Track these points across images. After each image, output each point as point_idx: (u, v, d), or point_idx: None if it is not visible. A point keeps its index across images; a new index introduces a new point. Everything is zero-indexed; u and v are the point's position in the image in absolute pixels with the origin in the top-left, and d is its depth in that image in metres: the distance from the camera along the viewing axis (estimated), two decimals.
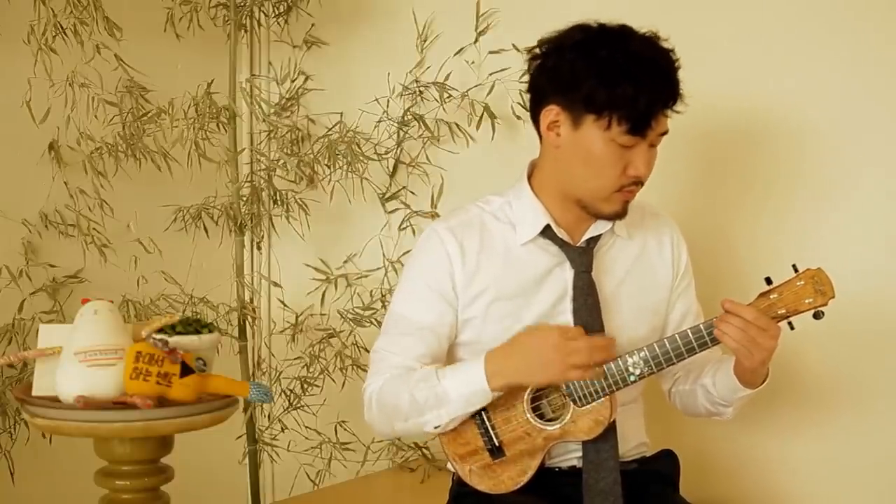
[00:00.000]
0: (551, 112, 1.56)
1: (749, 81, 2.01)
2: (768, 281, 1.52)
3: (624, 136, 1.51)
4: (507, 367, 1.53)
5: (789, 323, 1.52)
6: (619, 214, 1.59)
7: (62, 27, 2.21)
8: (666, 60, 1.53)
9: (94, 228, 2.36)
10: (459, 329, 1.65)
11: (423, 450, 2.38)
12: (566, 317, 1.62)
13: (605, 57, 1.51)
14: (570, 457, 1.65)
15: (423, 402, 1.56)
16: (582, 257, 1.62)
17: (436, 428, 1.59)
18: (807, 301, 1.50)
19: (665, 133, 1.56)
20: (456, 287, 1.62)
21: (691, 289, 1.75)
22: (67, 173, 2.34)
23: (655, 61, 1.52)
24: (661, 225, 1.74)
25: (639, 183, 1.57)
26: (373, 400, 1.63)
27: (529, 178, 1.67)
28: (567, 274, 1.62)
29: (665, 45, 1.55)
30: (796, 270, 1.51)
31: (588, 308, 1.61)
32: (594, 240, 1.64)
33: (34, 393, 1.73)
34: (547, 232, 1.63)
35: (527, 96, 1.66)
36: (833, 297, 1.50)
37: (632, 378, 1.56)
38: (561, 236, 1.63)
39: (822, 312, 1.51)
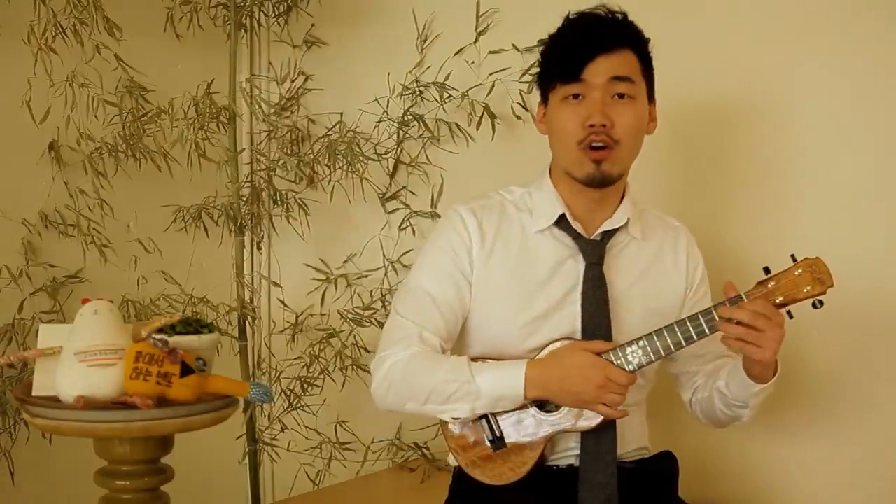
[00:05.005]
0: (539, 109, 1.70)
1: (742, 78, 2.01)
2: (766, 270, 1.52)
3: (564, 86, 1.61)
4: (546, 380, 1.56)
5: (788, 312, 1.52)
6: (594, 177, 1.60)
7: (62, 27, 2.21)
8: (595, 15, 1.63)
9: (94, 228, 2.36)
10: (472, 309, 1.66)
11: (424, 450, 2.38)
12: (575, 308, 1.63)
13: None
14: (570, 454, 1.65)
15: (449, 394, 1.58)
16: (594, 249, 1.65)
17: (456, 420, 1.60)
18: (805, 290, 1.50)
19: (621, 79, 1.59)
20: (473, 263, 1.65)
21: (707, 298, 1.76)
22: (67, 173, 2.34)
23: (583, 16, 1.63)
24: (679, 235, 1.76)
25: (604, 135, 1.58)
26: (392, 371, 1.61)
27: (550, 170, 1.71)
28: (580, 266, 1.65)
29: (611, 11, 1.64)
30: (794, 260, 1.51)
31: (596, 301, 1.63)
32: (609, 235, 1.67)
33: (34, 393, 1.73)
34: (562, 223, 1.66)
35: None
36: (832, 285, 1.50)
37: (630, 367, 1.56)
38: (575, 228, 1.65)
39: (821, 301, 1.50)
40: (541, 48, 1.69)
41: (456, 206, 1.71)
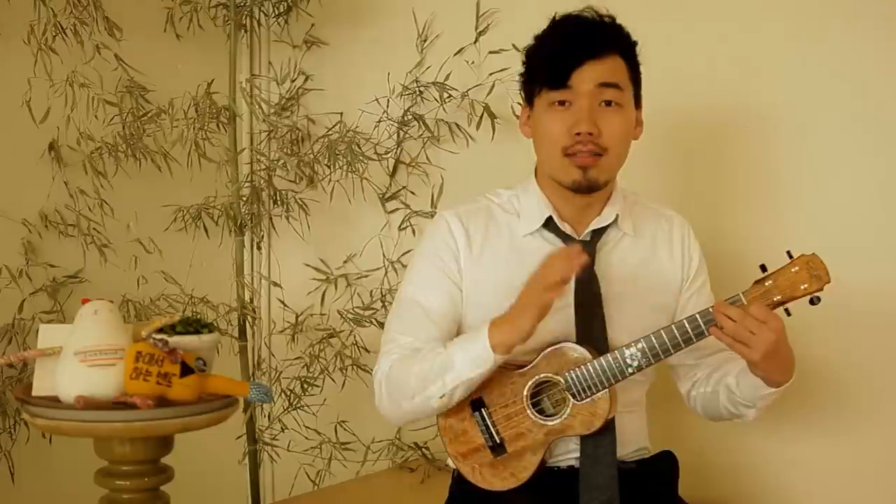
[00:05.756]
0: (524, 112, 1.69)
1: (740, 78, 2.02)
2: (763, 268, 1.52)
3: (550, 92, 1.59)
4: (504, 321, 1.53)
5: (786, 310, 1.51)
6: (581, 184, 1.60)
7: (62, 27, 2.21)
8: (580, 19, 1.61)
9: (94, 228, 2.36)
10: (464, 314, 1.65)
11: (424, 450, 2.38)
12: (569, 310, 1.62)
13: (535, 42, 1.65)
14: (570, 456, 1.64)
15: (427, 372, 1.56)
16: (583, 250, 1.63)
17: (441, 398, 1.57)
18: (802, 287, 1.49)
19: (609, 85, 1.57)
20: (462, 269, 1.65)
21: (706, 289, 1.74)
22: (67, 173, 2.34)
23: (570, 19, 1.61)
24: (674, 225, 1.74)
25: (591, 144, 1.56)
26: (383, 382, 1.63)
27: (536, 172, 1.70)
28: None
29: (599, 14, 1.61)
30: (791, 256, 1.51)
31: (589, 303, 1.61)
32: (598, 234, 1.65)
33: (34, 393, 1.73)
34: (550, 225, 1.65)
35: None
36: (828, 281, 1.49)
37: (629, 370, 1.56)
38: (563, 229, 1.64)
39: (818, 298, 1.50)
40: (524, 50, 1.67)
41: (442, 212, 1.70)
